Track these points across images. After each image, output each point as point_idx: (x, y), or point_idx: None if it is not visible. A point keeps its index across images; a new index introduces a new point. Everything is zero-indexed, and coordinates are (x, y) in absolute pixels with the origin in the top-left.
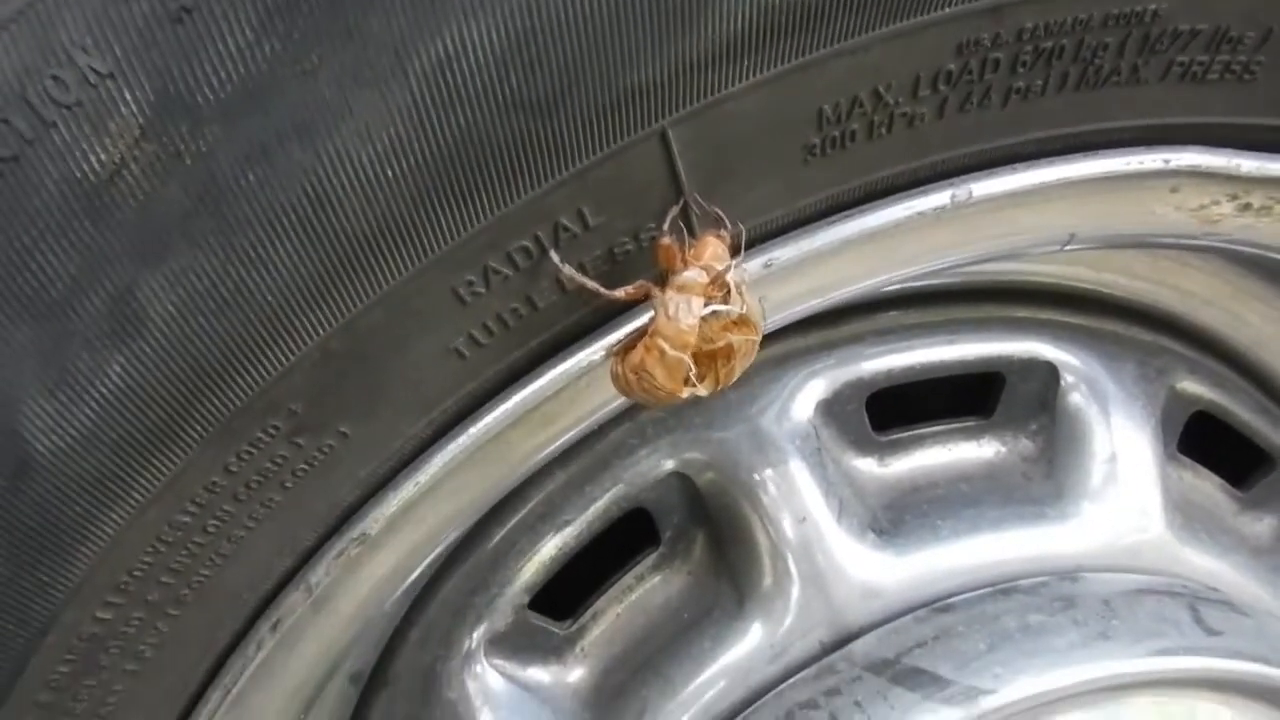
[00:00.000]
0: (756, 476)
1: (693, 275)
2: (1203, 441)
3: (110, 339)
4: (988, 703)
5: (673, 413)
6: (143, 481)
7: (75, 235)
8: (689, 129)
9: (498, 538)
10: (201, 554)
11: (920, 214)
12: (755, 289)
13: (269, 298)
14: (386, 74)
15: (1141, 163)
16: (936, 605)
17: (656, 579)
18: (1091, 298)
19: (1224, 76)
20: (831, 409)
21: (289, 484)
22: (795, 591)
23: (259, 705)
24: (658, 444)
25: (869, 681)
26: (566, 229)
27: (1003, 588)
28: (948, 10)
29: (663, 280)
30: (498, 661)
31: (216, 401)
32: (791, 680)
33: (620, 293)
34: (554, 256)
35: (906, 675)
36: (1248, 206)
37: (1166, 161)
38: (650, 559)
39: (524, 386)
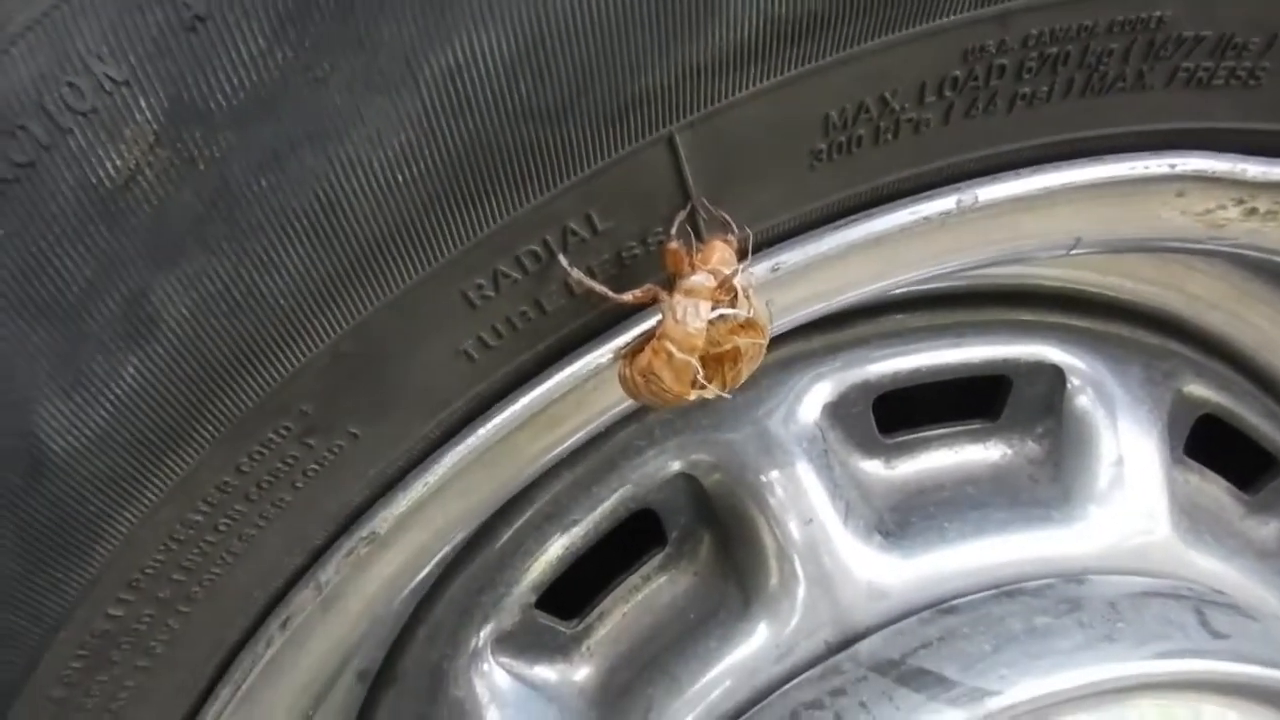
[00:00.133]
0: (763, 478)
1: (700, 279)
2: (1209, 445)
3: (125, 341)
4: (993, 704)
5: (680, 414)
6: (156, 481)
7: (91, 240)
8: (696, 134)
9: (505, 537)
10: (213, 552)
11: (926, 219)
12: (762, 293)
13: (281, 301)
14: (397, 81)
15: (1147, 168)
16: (942, 607)
17: (663, 579)
18: (1098, 301)
19: (1229, 82)
20: (838, 411)
21: (300, 484)
22: (801, 592)
23: (268, 702)
24: (665, 445)
25: (874, 682)
26: (575, 233)
27: (1008, 589)
28: (954, 17)
29: (670, 284)
30: (504, 660)
31: (229, 402)
32: (797, 680)
33: (628, 296)
34: (563, 260)
35: (912, 676)
36: (1254, 211)
37: (1172, 166)
38: (657, 559)
39: (532, 389)
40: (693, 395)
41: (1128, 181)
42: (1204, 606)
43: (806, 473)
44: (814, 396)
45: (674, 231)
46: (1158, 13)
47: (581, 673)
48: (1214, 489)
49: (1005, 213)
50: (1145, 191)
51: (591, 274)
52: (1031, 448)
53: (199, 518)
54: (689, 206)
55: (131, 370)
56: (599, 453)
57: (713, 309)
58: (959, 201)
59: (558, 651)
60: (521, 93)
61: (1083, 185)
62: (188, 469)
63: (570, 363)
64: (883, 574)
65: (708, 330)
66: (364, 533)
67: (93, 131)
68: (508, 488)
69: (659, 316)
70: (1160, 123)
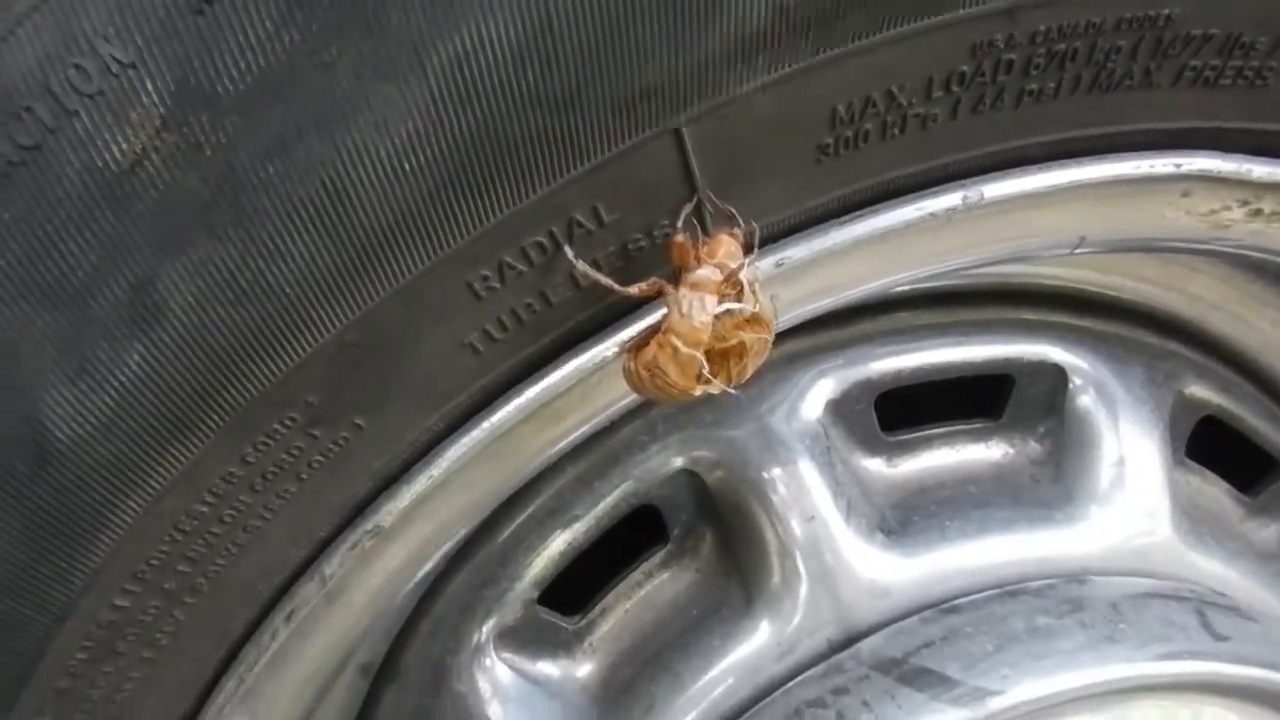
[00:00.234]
0: (766, 475)
1: (706, 273)
2: (1210, 446)
3: (130, 328)
4: (995, 704)
5: (683, 410)
6: (160, 470)
7: (96, 225)
8: (703, 127)
9: (507, 532)
10: (218, 543)
11: (932, 215)
12: (767, 287)
13: (287, 289)
14: (404, 68)
15: (1153, 167)
16: (944, 606)
17: (665, 576)
18: (1100, 301)
19: (1236, 82)
20: (841, 409)
21: (304, 475)
22: (803, 590)
23: (272, 694)
24: (668, 441)
25: (877, 681)
26: (581, 225)
27: (1011, 589)
28: (962, 12)
29: (676, 277)
30: (507, 655)
31: (234, 392)
32: (799, 678)
33: (634, 289)
34: (568, 252)
35: (914, 675)
36: (1259, 212)
37: (1178, 166)
38: (659, 556)
39: (537, 381)
40: (698, 390)
41: (1133, 180)
42: (1205, 608)
43: (809, 470)
44: (817, 394)
45: (680, 225)
46: (1166, 10)
47: (584, 669)
48: (1215, 491)
49: (1011, 210)
50: (1150, 191)
51: (597, 266)
52: (1033, 447)
53: (204, 508)
54: (695, 200)
55: (137, 357)
56: (602, 448)
57: (718, 303)
58: (965, 198)
59: (560, 647)
60: (528, 81)
61: (1088, 183)
62: (192, 459)
63: (575, 356)
64: (885, 572)
65: (713, 325)
66: (368, 526)
67: (99, 114)
68: (512, 481)
69: (664, 310)
70: (1167, 121)
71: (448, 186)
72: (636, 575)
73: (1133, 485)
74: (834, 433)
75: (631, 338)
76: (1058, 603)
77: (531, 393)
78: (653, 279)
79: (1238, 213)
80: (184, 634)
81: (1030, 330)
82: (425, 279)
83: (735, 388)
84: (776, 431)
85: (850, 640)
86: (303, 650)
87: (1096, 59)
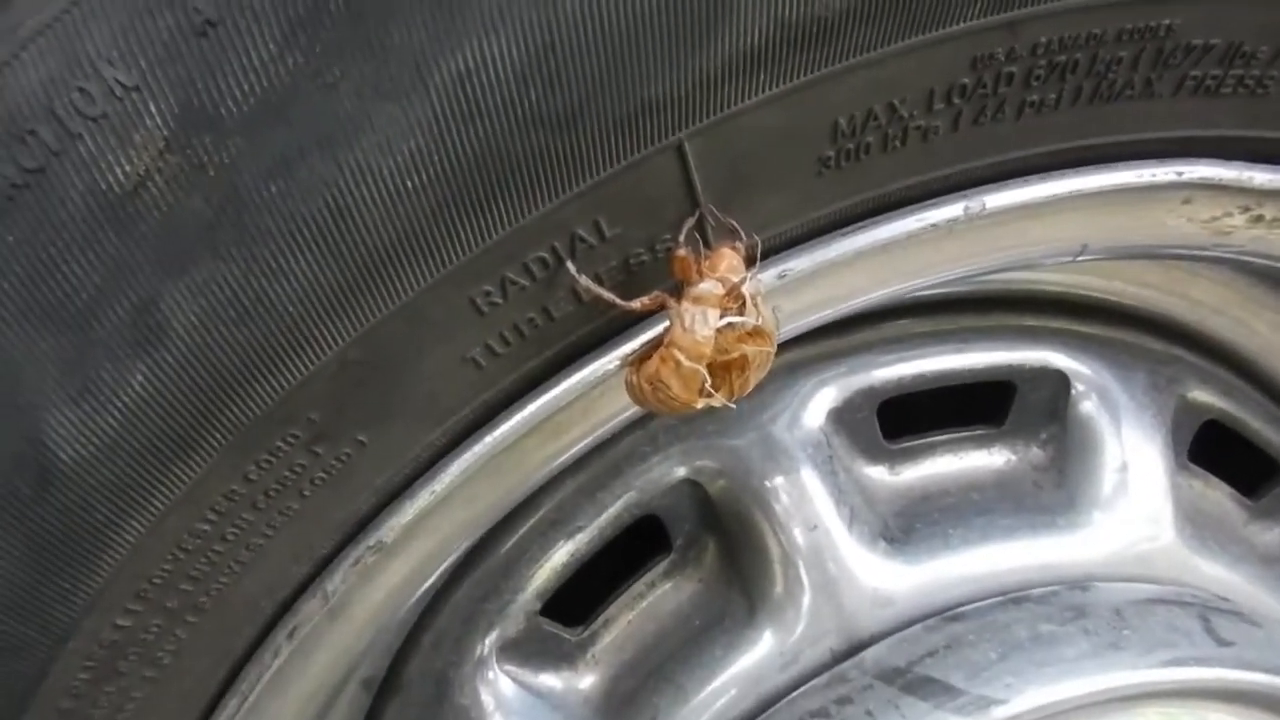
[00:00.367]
0: (768, 484)
1: (708, 287)
2: (1213, 451)
3: (133, 348)
4: (999, 713)
5: (685, 420)
6: (163, 489)
7: (100, 246)
8: (705, 141)
9: (510, 544)
10: (220, 562)
11: (934, 226)
12: (769, 300)
13: (289, 308)
14: (407, 87)
15: (1154, 175)
16: (948, 614)
17: (668, 586)
18: (1102, 306)
19: (1237, 90)
20: (843, 417)
21: (307, 492)
22: (806, 599)
23: (275, 712)
24: (670, 451)
25: (880, 690)
26: (583, 240)
27: (1014, 596)
28: (963, 25)
29: (678, 291)
30: (509, 668)
31: (237, 410)
32: (802, 688)
33: (636, 304)
34: (571, 267)
35: (918, 684)
36: (1260, 219)
37: (1179, 174)
38: (662, 566)
39: (539, 396)
40: (700, 403)
41: (1135, 189)
42: (1209, 613)
43: (811, 479)
44: (819, 402)
45: (682, 239)
46: (1167, 21)
47: (586, 680)
48: (1218, 495)
49: (1013, 220)
50: (1152, 199)
51: (599, 281)
52: (1036, 454)
53: (206, 527)
54: (697, 214)
55: (140, 378)
56: (604, 459)
57: (721, 317)
58: (967, 209)
59: (563, 659)
60: (531, 99)
61: (1090, 193)
62: (195, 477)
63: (578, 370)
64: (888, 581)
65: (716, 338)
66: (371, 541)
67: (103, 137)
68: (514, 495)
69: (666, 324)
70: (1168, 130)
71: (450, 204)
72: (639, 586)
73: (1136, 491)
74: (836, 441)
75: (633, 351)
76: (1061, 610)
77: (534, 407)
78: (655, 293)
79: (1239, 219)
80: (186, 653)
81: (1032, 336)
82: (427, 296)
83: (736, 401)
84: (779, 440)
85: (854, 649)
86: (305, 667)
87: (1097, 70)
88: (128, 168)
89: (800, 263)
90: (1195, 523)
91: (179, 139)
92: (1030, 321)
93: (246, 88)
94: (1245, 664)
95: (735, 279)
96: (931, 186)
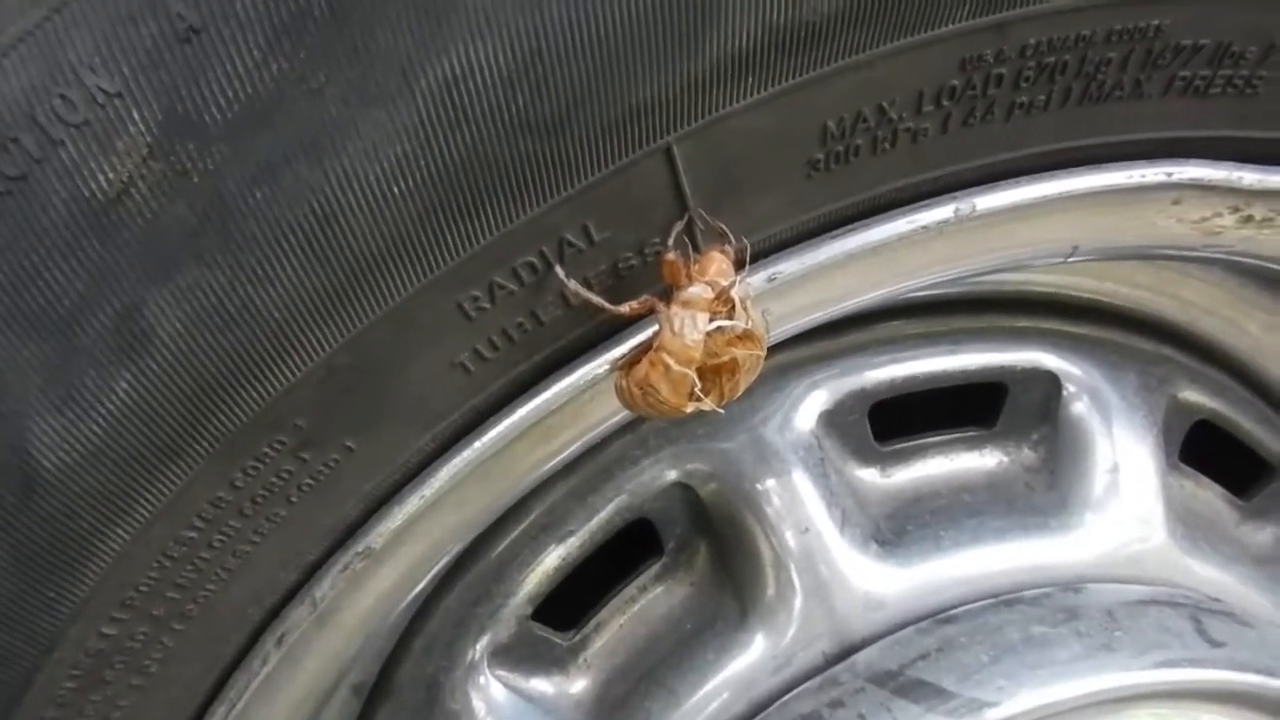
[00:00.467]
0: (759, 487)
1: (698, 291)
2: (1203, 451)
3: (117, 355)
4: (991, 715)
5: (675, 424)
6: (149, 497)
7: (83, 253)
8: (694, 145)
9: (500, 548)
10: (207, 569)
11: (924, 228)
12: (759, 303)
13: (275, 314)
14: (393, 92)
15: (1144, 176)
16: (940, 616)
17: (659, 590)
18: (1093, 307)
19: (1226, 91)
20: (834, 419)
21: (294, 498)
22: (798, 603)
23: (263, 719)
24: (660, 455)
25: (872, 693)
26: (571, 244)
27: (1006, 599)
28: (952, 26)
29: (667, 295)
30: (501, 672)
31: (222, 417)
32: (795, 692)
33: (625, 308)
34: (559, 272)
35: (910, 687)
36: (1249, 219)
37: (1169, 175)
38: (653, 570)
39: (528, 400)
40: (690, 407)
41: (1125, 190)
42: (1200, 614)
43: (803, 481)
44: (810, 404)
45: (671, 242)
46: (1156, 21)
47: (578, 685)
48: (1209, 495)
49: (1003, 221)
50: (1142, 200)
51: (588, 285)
52: (1027, 455)
53: (193, 534)
54: (686, 217)
55: (124, 385)
56: (594, 463)
57: (711, 320)
58: (957, 210)
59: (554, 664)
60: (519, 104)
61: (1080, 194)
62: (181, 485)
63: (567, 374)
64: (879, 583)
65: (705, 341)
66: (359, 547)
67: (85, 144)
68: (504, 500)
69: (656, 328)
70: (1157, 131)
71: (437, 209)
72: (630, 590)
73: (1127, 492)
74: (828, 443)
75: (623, 355)
76: (1053, 611)
77: (523, 411)
78: (644, 297)
79: (1228, 219)
80: (173, 661)
81: (1023, 338)
82: (415, 301)
83: (726, 405)
84: (770, 443)
85: (846, 653)
86: (294, 674)
87: (1086, 71)
88: (111, 175)
89: (790, 266)
90: (1187, 523)
91: (162, 145)
92: (1021, 323)
93: (231, 94)
94: (1237, 665)
95: (725, 282)
96: (921, 188)
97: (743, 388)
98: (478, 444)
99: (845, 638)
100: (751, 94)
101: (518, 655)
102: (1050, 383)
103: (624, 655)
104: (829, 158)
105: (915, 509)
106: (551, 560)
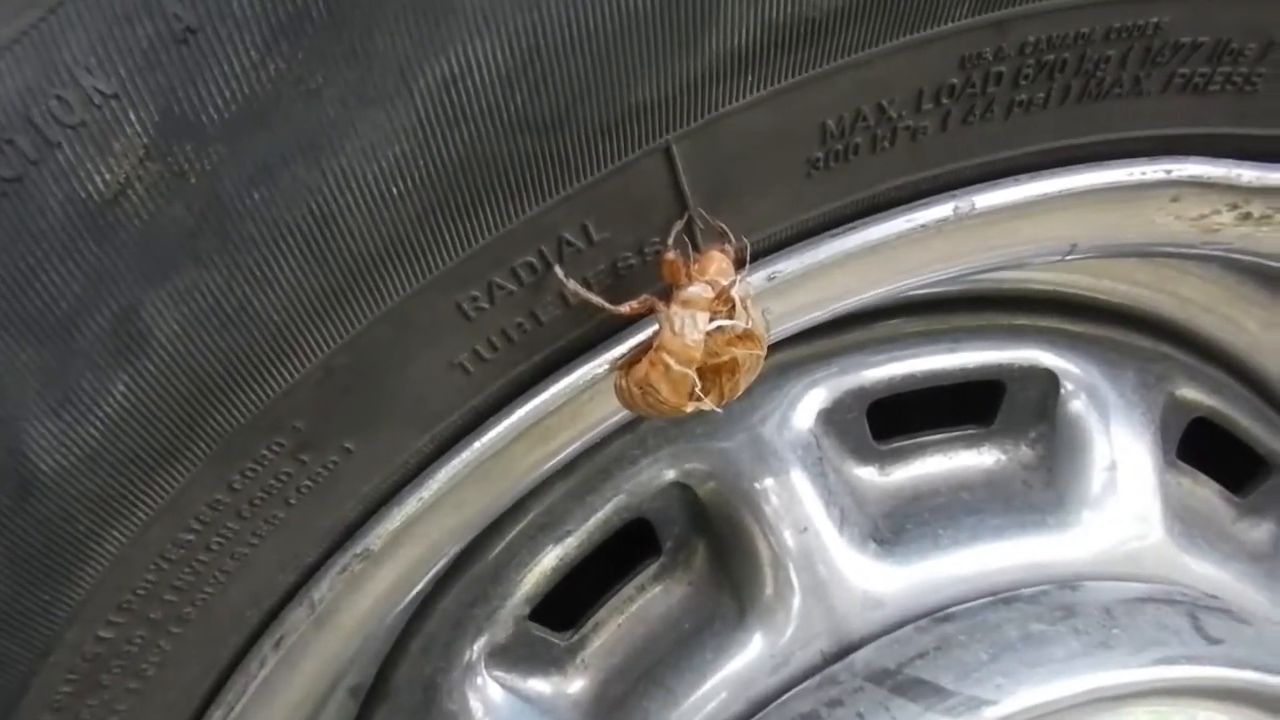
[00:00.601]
0: (758, 486)
1: (698, 290)
2: (1200, 448)
3: (114, 358)
4: (990, 713)
5: (674, 423)
6: (146, 500)
7: (79, 255)
8: (693, 144)
9: (498, 549)
10: (205, 571)
11: (923, 226)
12: (758, 302)
13: (273, 315)
14: (391, 93)
15: (1143, 173)
16: (938, 615)
17: (657, 589)
18: (1091, 305)
19: (1225, 88)
20: (832, 418)
21: (293, 500)
22: (797, 602)
23: None
24: (659, 454)
25: (871, 692)
26: (570, 244)
27: (1004, 596)
28: (952, 24)
29: (667, 295)
30: (498, 673)
31: (220, 419)
32: (793, 691)
33: (625, 308)
34: (558, 272)
35: (908, 686)
36: (1247, 216)
37: (1168, 172)
38: (651, 569)
39: (527, 401)
40: (690, 407)
41: (1124, 187)
42: (1198, 611)
43: (801, 480)
44: (808, 403)
45: (671, 242)
46: (1155, 19)
47: (576, 685)
48: (1206, 492)
49: (1002, 219)
50: (1140, 197)
51: (587, 285)
52: (1025, 453)
53: (190, 537)
54: (686, 216)
55: (121, 387)
56: (592, 462)
57: (711, 320)
58: (956, 209)
59: (552, 664)
60: (517, 104)
61: (1079, 191)
62: (179, 487)
63: (566, 374)
64: (878, 582)
65: (705, 341)
66: (358, 549)
67: (81, 145)
68: (502, 500)
69: (655, 327)
70: (1156, 128)
71: (436, 209)
72: (629, 589)
73: (1125, 489)
74: (826, 442)
75: (622, 355)
76: (1051, 609)
77: (522, 412)
78: (644, 296)
79: (1227, 216)
80: (171, 664)
81: (1021, 335)
82: (414, 301)
83: (726, 404)
84: (768, 442)
85: (844, 651)
86: (292, 677)
87: (1086, 68)
88: (107, 176)
89: (790, 264)
90: (1184, 520)
91: (160, 146)
92: (1019, 320)
93: (228, 95)
94: (1235, 662)
95: (725, 282)
96: (921, 187)
97: (743, 387)
98: (477, 445)
99: (844, 636)
100: (751, 92)
101: (515, 656)
102: (1048, 381)
103: (622, 655)
104: (829, 156)
105: (914, 507)
106: (549, 560)
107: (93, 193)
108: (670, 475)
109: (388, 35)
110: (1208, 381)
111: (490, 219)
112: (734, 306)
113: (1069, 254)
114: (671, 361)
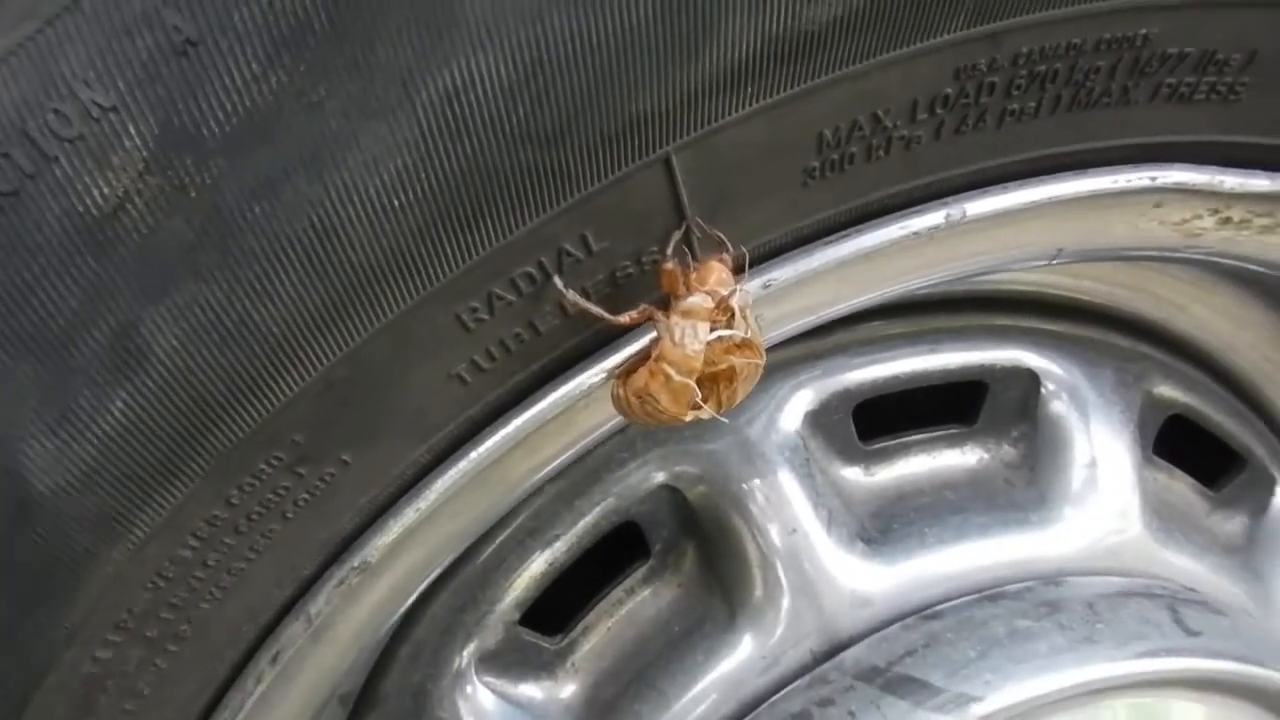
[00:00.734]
0: (746, 488)
1: (698, 300)
2: (1174, 443)
3: (113, 374)
4: (978, 710)
5: (664, 428)
6: (144, 517)
7: (78, 270)
8: (692, 155)
9: (487, 554)
10: (202, 588)
11: (916, 234)
12: (753, 309)
13: (273, 329)
14: (394, 105)
15: (1129, 180)
16: (925, 612)
17: (647, 592)
18: (1071, 305)
19: (1210, 97)
20: (819, 419)
21: (290, 514)
22: (786, 602)
23: None
24: (647, 457)
25: (861, 691)
26: (570, 254)
27: (990, 593)
28: (947, 36)
29: (666, 304)
30: (489, 679)
31: (219, 435)
32: (784, 691)
33: (624, 318)
34: (558, 282)
35: (898, 683)
36: (1228, 220)
37: (1153, 179)
38: (640, 572)
39: (525, 410)
40: (689, 416)
41: (1109, 194)
42: (1177, 604)
43: (789, 482)
44: (795, 405)
45: (669, 252)
46: (1144, 30)
47: (567, 690)
48: (1181, 487)
49: (991, 226)
50: (1125, 203)
51: (586, 295)
52: (1007, 452)
53: (188, 553)
54: (684, 226)
55: (120, 404)
56: (581, 466)
57: (711, 330)
58: (948, 216)
59: (542, 669)
60: (520, 116)
61: (1067, 198)
62: (176, 503)
63: (564, 384)
64: (866, 581)
65: (705, 351)
66: (355, 562)
67: (79, 159)
68: (498, 508)
69: (654, 336)
70: (1143, 136)
71: (437, 221)
72: (618, 593)
73: (1105, 486)
74: (813, 444)
75: (620, 364)
76: (1036, 605)
77: (519, 421)
78: (643, 306)
79: (1208, 221)
80: (167, 682)
81: (1003, 336)
82: (414, 313)
83: (725, 413)
84: (756, 444)
85: (833, 651)
86: (288, 691)
87: (1076, 79)
88: (106, 190)
89: (785, 272)
90: (1161, 515)
91: (159, 160)
92: (1001, 321)
93: (229, 108)
94: (1213, 653)
95: (724, 292)
96: (913, 195)
97: (741, 396)
98: (474, 454)
99: (833, 636)
100: (749, 104)
101: (505, 661)
102: (1029, 380)
103: (612, 658)
104: (825, 165)
105: (899, 507)
106: (538, 565)
107: (91, 207)
108: (659, 478)
109: (390, 48)
110: (1183, 379)
111: (491, 231)
112: (734, 316)
113: (1055, 259)
114: (672, 371)
